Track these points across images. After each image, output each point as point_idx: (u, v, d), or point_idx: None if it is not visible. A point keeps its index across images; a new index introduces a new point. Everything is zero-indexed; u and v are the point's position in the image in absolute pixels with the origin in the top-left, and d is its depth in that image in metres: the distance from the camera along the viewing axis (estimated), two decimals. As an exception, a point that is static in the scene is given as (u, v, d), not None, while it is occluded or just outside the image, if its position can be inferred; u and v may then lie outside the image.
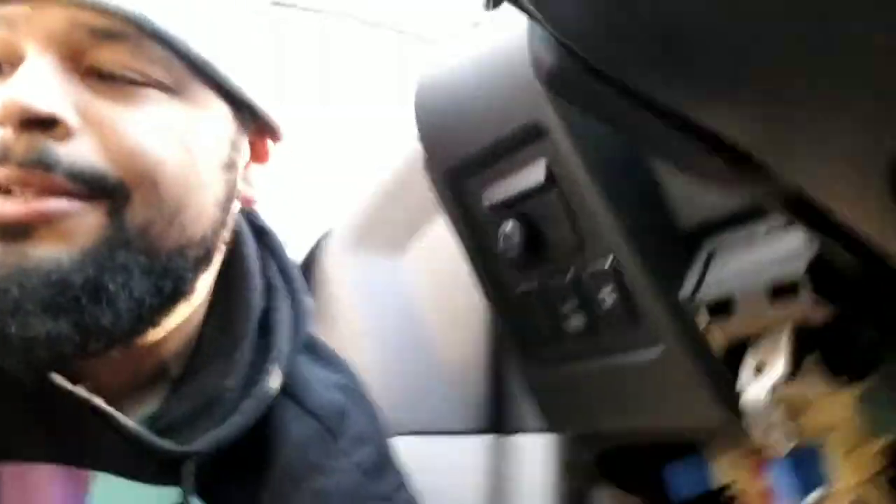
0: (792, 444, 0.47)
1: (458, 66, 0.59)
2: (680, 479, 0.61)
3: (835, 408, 0.49)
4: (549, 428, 0.62)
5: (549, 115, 0.51)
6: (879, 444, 0.50)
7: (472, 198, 0.60)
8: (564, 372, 0.58)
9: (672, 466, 0.60)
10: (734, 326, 0.47)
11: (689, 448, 0.60)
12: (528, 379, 0.62)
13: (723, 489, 0.59)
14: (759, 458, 0.56)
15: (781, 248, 0.44)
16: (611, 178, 0.51)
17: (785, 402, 0.46)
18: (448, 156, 0.60)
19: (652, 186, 0.51)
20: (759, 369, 0.47)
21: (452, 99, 0.59)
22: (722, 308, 0.47)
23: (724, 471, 0.59)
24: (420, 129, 0.62)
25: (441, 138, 0.61)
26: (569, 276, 0.55)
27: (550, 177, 0.53)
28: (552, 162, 0.53)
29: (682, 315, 0.49)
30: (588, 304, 0.54)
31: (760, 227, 0.46)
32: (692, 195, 0.49)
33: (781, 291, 0.43)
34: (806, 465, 0.51)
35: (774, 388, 0.45)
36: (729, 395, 0.48)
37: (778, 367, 0.46)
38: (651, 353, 0.52)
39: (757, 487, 0.57)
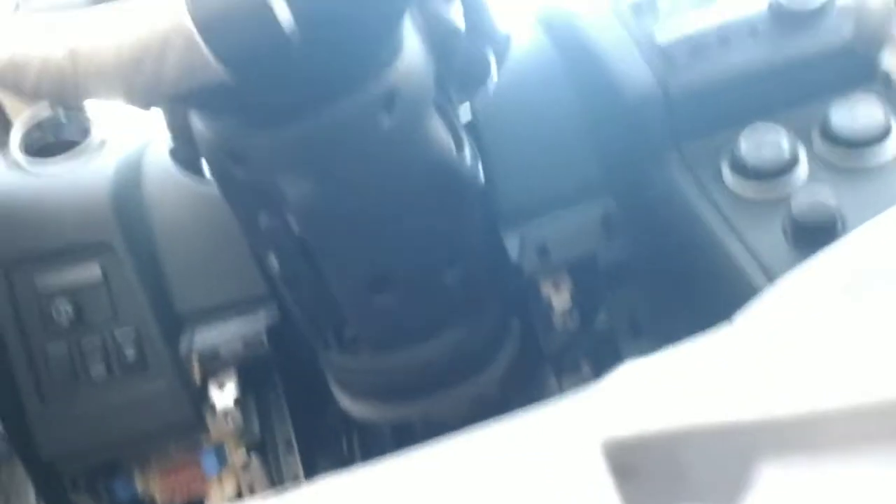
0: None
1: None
2: (116, 490, 0.94)
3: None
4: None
5: (113, 236, 0.86)
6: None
7: (23, 283, 0.86)
8: (83, 409, 0.87)
9: (114, 481, 0.94)
10: (211, 368, 0.89)
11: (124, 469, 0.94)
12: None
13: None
14: (176, 463, 0.95)
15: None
16: (144, 283, 0.88)
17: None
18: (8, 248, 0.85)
19: (162, 288, 0.89)
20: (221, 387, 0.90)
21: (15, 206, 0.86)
22: (206, 358, 0.88)
23: (143, 481, 0.95)
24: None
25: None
26: (98, 339, 0.87)
27: (104, 276, 0.86)
28: (105, 266, 0.86)
29: (179, 362, 0.88)
30: (109, 357, 0.87)
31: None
32: (186, 290, 0.90)
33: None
34: (217, 455, 0.94)
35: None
36: (199, 408, 0.89)
37: (229, 390, 0.90)
38: (157, 387, 0.88)
39: (170, 483, 0.95)
